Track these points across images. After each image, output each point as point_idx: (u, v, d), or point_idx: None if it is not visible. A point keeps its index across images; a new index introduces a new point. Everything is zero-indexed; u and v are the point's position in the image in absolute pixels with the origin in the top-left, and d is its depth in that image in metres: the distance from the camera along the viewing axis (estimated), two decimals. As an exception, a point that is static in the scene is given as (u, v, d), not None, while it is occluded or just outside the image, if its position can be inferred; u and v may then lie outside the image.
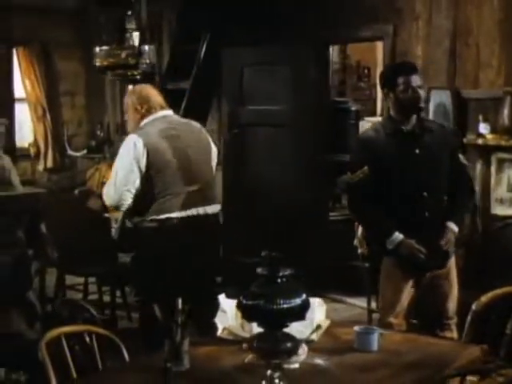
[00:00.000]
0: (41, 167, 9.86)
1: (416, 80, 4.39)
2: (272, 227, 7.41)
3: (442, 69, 6.33)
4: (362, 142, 4.67)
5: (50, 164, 9.66)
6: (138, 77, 5.64)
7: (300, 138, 7.36)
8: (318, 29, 7.42)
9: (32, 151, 9.89)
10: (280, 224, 7.38)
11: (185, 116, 7.42)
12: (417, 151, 4.40)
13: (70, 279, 6.70)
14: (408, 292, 4.49)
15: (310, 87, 7.29)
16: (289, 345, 2.60)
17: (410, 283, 4.48)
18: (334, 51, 9.68)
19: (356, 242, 5.73)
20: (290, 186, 7.42)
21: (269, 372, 2.63)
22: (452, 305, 4.51)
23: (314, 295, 7.00)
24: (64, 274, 6.54)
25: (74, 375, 3.16)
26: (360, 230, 5.69)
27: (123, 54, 5.39)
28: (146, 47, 5.42)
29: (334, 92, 10.68)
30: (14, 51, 9.57)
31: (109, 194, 4.68)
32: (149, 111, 4.78)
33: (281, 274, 2.59)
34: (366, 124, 8.41)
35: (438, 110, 6.20)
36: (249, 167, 7.59)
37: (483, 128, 5.85)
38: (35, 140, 9.91)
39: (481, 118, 5.93)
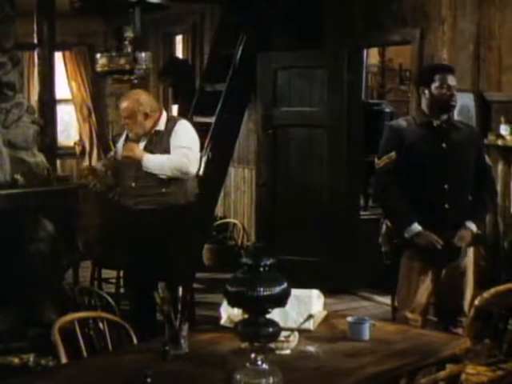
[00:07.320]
0: (85, 165, 10.15)
1: (451, 80, 4.59)
2: (304, 226, 7.57)
3: (466, 72, 6.39)
4: (391, 128, 4.83)
5: (94, 162, 9.93)
6: (135, 81, 6.02)
7: (333, 139, 7.46)
8: (350, 33, 7.57)
9: (77, 150, 10.19)
10: (312, 223, 7.54)
11: (219, 117, 7.71)
12: (443, 145, 4.56)
13: (108, 273, 6.92)
14: (425, 288, 4.59)
15: (344, 89, 7.39)
16: (270, 330, 2.78)
17: (428, 279, 4.59)
18: (371, 54, 9.75)
19: (380, 239, 5.83)
20: (323, 186, 7.53)
21: (253, 355, 2.81)
22: (466, 303, 4.59)
23: (345, 292, 7.14)
24: (97, 267, 6.80)
25: (85, 355, 3.42)
26: (384, 227, 5.80)
27: (121, 61, 5.73)
28: (142, 54, 5.75)
29: (374, 94, 10.79)
30: (61, 54, 9.89)
31: (194, 164, 5.28)
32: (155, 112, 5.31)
33: (263, 263, 2.75)
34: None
35: (462, 112, 6.26)
36: (282, 167, 7.72)
37: (504, 129, 5.94)
38: (80, 139, 10.22)
39: (502, 119, 6.01)
